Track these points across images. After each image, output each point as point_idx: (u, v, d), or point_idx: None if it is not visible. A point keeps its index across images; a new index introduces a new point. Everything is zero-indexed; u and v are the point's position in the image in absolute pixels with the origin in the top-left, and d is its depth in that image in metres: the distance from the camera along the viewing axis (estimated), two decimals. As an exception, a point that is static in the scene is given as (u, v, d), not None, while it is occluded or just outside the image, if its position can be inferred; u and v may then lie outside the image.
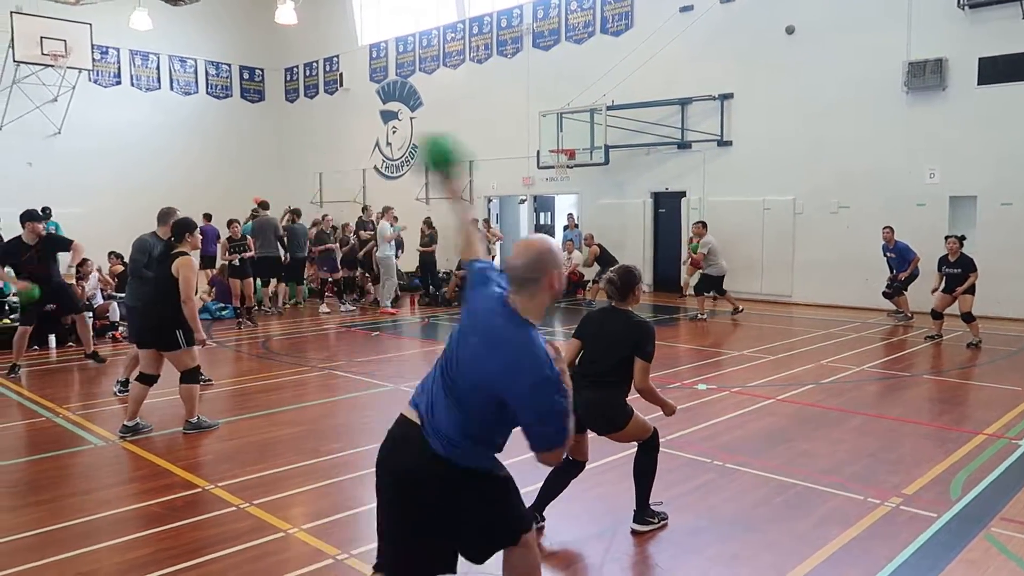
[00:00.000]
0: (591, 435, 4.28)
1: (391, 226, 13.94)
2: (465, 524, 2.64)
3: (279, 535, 4.15)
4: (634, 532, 4.20)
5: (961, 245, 10.32)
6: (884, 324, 12.13)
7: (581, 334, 4.30)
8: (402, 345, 11.07)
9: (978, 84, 12.66)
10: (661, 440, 5.81)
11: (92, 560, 3.88)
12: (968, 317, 10.15)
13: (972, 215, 12.72)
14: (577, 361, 4.28)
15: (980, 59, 12.61)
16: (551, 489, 4.27)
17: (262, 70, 26.47)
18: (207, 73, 25.09)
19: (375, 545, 4.01)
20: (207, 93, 25.11)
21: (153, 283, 6.35)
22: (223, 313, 13.10)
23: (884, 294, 12.52)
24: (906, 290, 12.21)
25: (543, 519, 4.28)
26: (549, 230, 19.86)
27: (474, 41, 20.36)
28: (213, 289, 13.86)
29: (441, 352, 2.67)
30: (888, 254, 12.41)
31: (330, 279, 14.93)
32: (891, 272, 12.33)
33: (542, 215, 19.94)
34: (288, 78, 26.79)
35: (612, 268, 4.42)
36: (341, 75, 24.44)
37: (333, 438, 6.11)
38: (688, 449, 5.65)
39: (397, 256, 14.82)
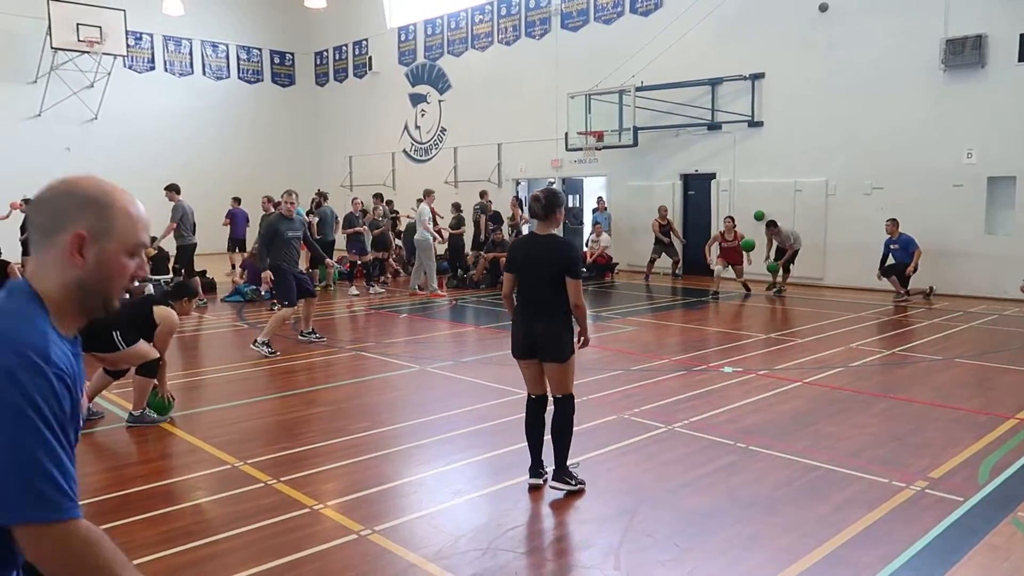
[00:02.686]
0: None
1: (430, 210, 13.94)
2: None
3: (305, 511, 4.25)
4: (554, 488, 4.46)
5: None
6: (913, 307, 11.93)
7: (512, 267, 4.57)
8: (429, 327, 11.15)
9: (1019, 61, 12.30)
10: (684, 422, 5.87)
11: (125, 532, 4.00)
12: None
13: (1011, 196, 12.43)
14: (515, 293, 4.59)
15: (1022, 35, 12.25)
16: (533, 438, 4.56)
17: (292, 54, 26.65)
18: (238, 58, 25.33)
19: (399, 521, 4.13)
20: (239, 78, 25.37)
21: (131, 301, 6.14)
22: (253, 295, 13.28)
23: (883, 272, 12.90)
24: (906, 284, 12.64)
25: (544, 471, 4.57)
26: (578, 213, 19.77)
27: (502, 23, 20.27)
28: (245, 272, 14.07)
29: None
30: (892, 246, 12.46)
31: (359, 262, 15.06)
32: (894, 262, 12.70)
33: (570, 198, 19.86)
34: (318, 62, 26.94)
35: (538, 190, 4.66)
36: (370, 58, 24.53)
37: (360, 417, 6.21)
38: (711, 431, 5.65)
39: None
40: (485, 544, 3.85)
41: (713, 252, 14.34)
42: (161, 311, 5.96)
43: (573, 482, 4.47)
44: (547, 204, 4.43)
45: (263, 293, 12.51)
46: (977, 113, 12.67)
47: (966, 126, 12.81)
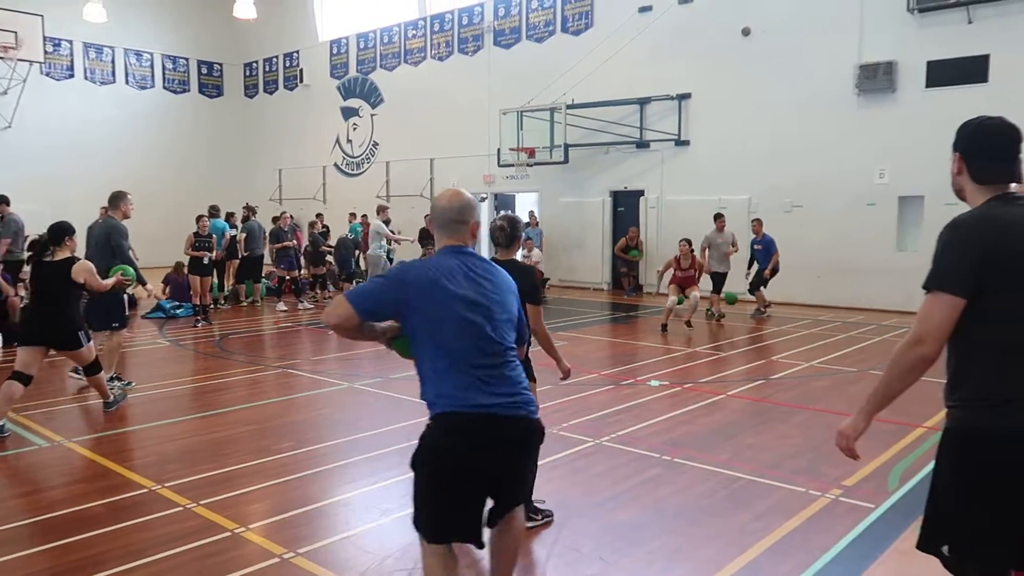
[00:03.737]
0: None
1: (386, 226, 14.01)
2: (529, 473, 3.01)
3: (225, 535, 4.13)
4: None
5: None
6: (830, 321, 12.40)
7: None
8: (357, 343, 11.01)
9: (926, 87, 13.01)
10: (612, 435, 5.95)
11: (33, 563, 3.82)
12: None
13: (920, 214, 13.07)
14: None
15: (928, 62, 12.96)
16: None
17: (220, 65, 26.12)
18: (164, 67, 24.69)
19: (323, 542, 4.05)
20: (164, 87, 24.72)
21: (47, 288, 6.24)
22: (178, 312, 12.90)
23: (749, 290, 13.08)
24: (765, 286, 12.88)
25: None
26: (510, 228, 19.87)
27: (435, 38, 20.33)
28: (167, 287, 13.64)
29: (450, 330, 2.71)
30: (755, 246, 12.93)
31: (287, 277, 14.78)
32: (757, 264, 12.95)
33: (502, 213, 19.95)
34: (247, 73, 26.47)
35: (499, 216, 4.57)
36: (301, 71, 24.23)
37: (285, 437, 6.07)
38: (637, 444, 5.74)
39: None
40: (411, 564, 3.81)
41: (666, 278, 12.23)
42: (76, 268, 6.23)
43: (539, 517, 4.29)
44: (512, 231, 4.39)
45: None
46: (889, 135, 13.32)
47: (879, 147, 13.46)
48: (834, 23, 13.80)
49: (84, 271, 6.29)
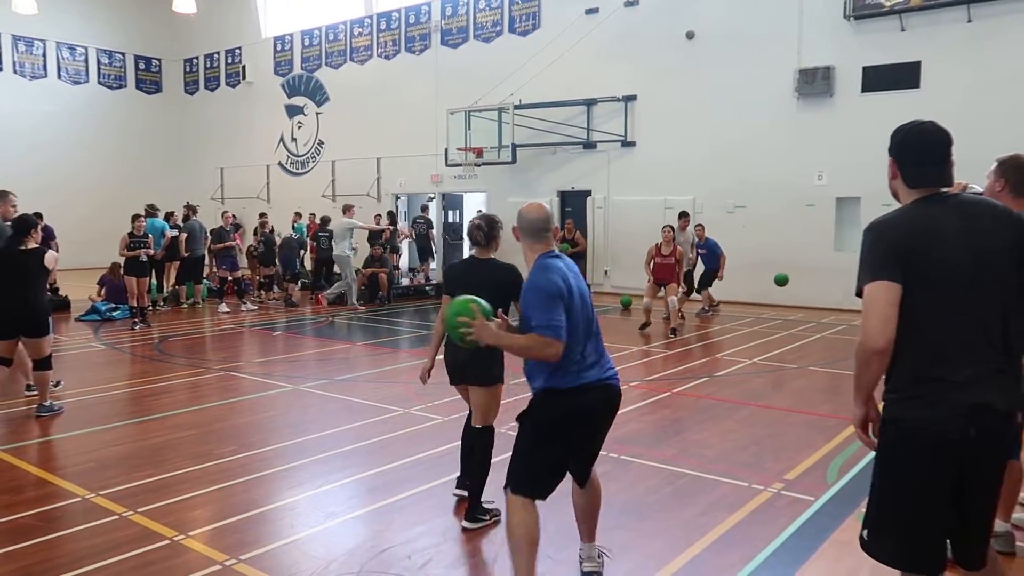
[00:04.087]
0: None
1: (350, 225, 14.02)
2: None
3: (164, 543, 4.01)
4: (465, 530, 4.23)
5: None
6: (772, 319, 12.69)
7: (451, 290, 4.21)
8: (303, 344, 10.85)
9: (862, 92, 13.41)
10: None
11: (-45, 577, 3.65)
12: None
13: (857, 215, 13.46)
14: None
15: (864, 68, 13.37)
16: (465, 457, 4.64)
17: (159, 60, 25.42)
18: (99, 62, 23.92)
19: (267, 548, 3.97)
20: (99, 83, 23.95)
21: (23, 275, 6.57)
22: (114, 314, 12.50)
23: (696, 290, 13.31)
24: (710, 285, 13.18)
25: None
26: (458, 228, 19.83)
27: (382, 37, 20.15)
28: (103, 289, 13.21)
29: (566, 315, 3.12)
30: (700, 251, 13.16)
31: (229, 278, 14.46)
32: (704, 267, 13.15)
33: (450, 213, 19.90)
34: (187, 69, 25.82)
35: (477, 215, 4.58)
36: (244, 68, 23.73)
37: (228, 441, 5.93)
38: (585, 443, 5.76)
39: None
40: (357, 568, 3.76)
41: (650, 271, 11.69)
42: (48, 257, 6.64)
43: (487, 517, 4.33)
44: (489, 230, 4.36)
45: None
46: (827, 138, 13.70)
47: (817, 150, 13.82)
48: (775, 28, 14.12)
49: (53, 259, 6.74)
